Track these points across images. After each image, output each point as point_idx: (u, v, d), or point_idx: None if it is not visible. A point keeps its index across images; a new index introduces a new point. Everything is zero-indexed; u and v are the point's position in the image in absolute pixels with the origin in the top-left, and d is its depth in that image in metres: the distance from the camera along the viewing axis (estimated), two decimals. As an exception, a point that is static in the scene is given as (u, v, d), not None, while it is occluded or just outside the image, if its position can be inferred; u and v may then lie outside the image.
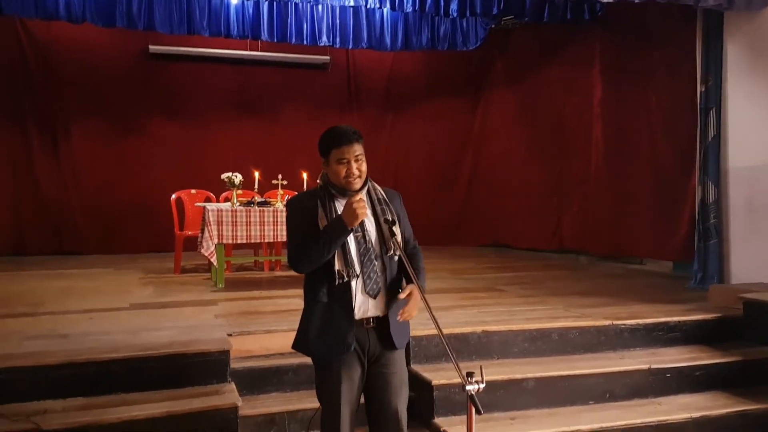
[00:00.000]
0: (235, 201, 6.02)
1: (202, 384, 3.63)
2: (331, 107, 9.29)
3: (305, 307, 2.72)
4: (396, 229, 2.66)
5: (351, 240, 2.62)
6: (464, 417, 2.42)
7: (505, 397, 3.91)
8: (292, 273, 7.11)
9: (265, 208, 5.90)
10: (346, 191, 2.65)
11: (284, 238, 6.01)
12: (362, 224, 2.64)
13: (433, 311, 2.50)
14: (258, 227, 5.85)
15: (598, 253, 7.99)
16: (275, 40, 7.62)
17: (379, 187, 2.78)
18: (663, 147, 6.88)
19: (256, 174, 6.28)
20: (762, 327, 4.70)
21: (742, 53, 5.81)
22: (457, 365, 2.39)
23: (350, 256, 2.60)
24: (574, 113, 8.20)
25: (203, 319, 4.51)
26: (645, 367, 4.22)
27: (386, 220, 2.64)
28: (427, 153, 9.62)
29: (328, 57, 9.18)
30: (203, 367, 3.66)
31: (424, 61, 9.56)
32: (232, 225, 5.73)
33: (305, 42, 7.65)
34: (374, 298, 2.64)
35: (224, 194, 7.13)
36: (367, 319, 2.65)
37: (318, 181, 2.77)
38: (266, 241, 6.32)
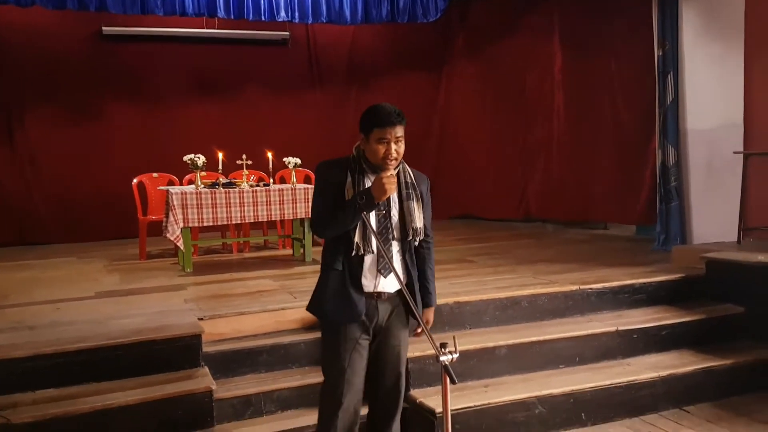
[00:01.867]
0: (200, 183, 5.92)
1: (175, 369, 3.59)
2: (293, 84, 9.17)
3: (321, 272, 2.76)
4: (416, 213, 2.69)
5: (373, 216, 2.64)
6: (439, 387, 2.44)
7: (479, 365, 3.96)
8: (261, 254, 7.13)
9: (230, 190, 5.82)
10: (379, 169, 2.64)
11: (251, 219, 5.96)
12: (387, 203, 2.66)
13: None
14: (224, 209, 5.78)
15: (564, 220, 8.09)
16: (232, 17, 7.46)
17: (410, 170, 2.80)
18: (623, 112, 6.96)
19: (220, 155, 6.18)
20: (724, 284, 4.83)
21: (697, 17, 5.87)
22: (431, 337, 2.41)
23: (369, 231, 2.62)
24: (535, 82, 8.23)
25: (172, 305, 4.46)
26: (612, 329, 4.30)
27: (360, 193, 2.61)
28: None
29: (287, 33, 9.03)
30: (175, 352, 3.62)
31: (385, 35, 9.47)
32: (198, 208, 5.66)
33: (263, 18, 7.51)
34: (385, 277, 2.68)
35: (188, 177, 7.02)
36: (379, 293, 2.68)
37: (353, 151, 2.75)
38: (233, 222, 6.25)
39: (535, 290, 4.53)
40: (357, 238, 2.61)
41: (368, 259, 2.64)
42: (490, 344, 4.03)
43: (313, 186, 2.94)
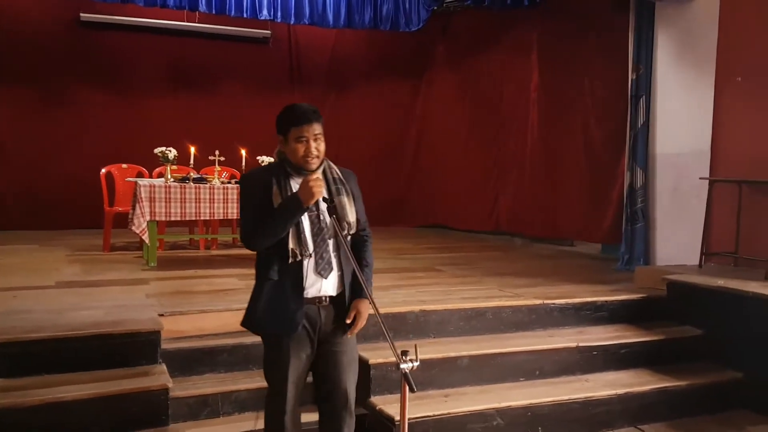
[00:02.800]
0: (169, 176, 5.84)
1: (132, 365, 3.53)
2: (271, 83, 9.12)
3: (256, 284, 2.69)
4: (347, 208, 2.65)
5: (305, 219, 2.60)
6: (399, 395, 2.42)
7: (440, 374, 3.95)
8: (229, 252, 7.05)
9: (200, 185, 5.76)
10: (303, 170, 2.61)
11: (221, 216, 5.91)
12: (317, 204, 2.61)
13: (372, 291, 2.49)
14: (193, 204, 5.71)
15: (532, 234, 8.16)
16: (213, 12, 7.36)
17: (335, 167, 2.76)
18: (595, 132, 7.05)
19: (192, 149, 6.11)
20: (684, 307, 4.90)
21: (672, 43, 5.98)
22: (392, 344, 2.40)
23: (304, 235, 2.58)
24: (512, 97, 8.30)
25: (133, 299, 4.39)
26: (573, 345, 4.33)
27: (324, 199, 2.60)
28: (370, 133, 9.59)
29: (269, 31, 8.98)
30: (132, 347, 3.56)
31: (367, 41, 9.47)
32: (166, 201, 5.58)
33: (245, 15, 7.44)
34: (326, 278, 2.63)
35: (158, 169, 6.93)
36: (320, 297, 2.63)
37: (274, 157, 2.72)
38: (202, 218, 6.18)
39: (500, 302, 4.55)
40: (292, 244, 2.56)
41: (307, 264, 2.59)
42: (453, 354, 4.02)
43: None
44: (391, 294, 4.68)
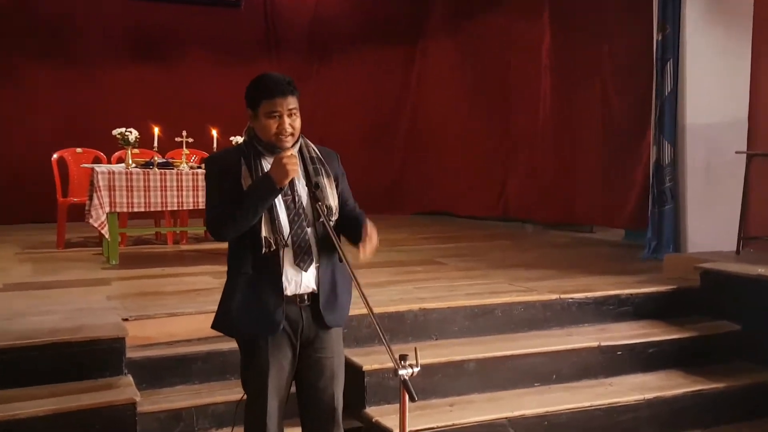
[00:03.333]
0: (131, 162, 5.83)
1: (93, 377, 3.53)
2: (245, 52, 9.08)
3: (228, 280, 2.68)
4: (328, 190, 2.64)
5: (280, 203, 2.58)
6: (398, 405, 2.43)
7: (444, 381, 3.96)
8: (201, 247, 7.04)
9: (166, 170, 5.75)
10: (276, 148, 2.59)
11: (190, 206, 5.90)
12: (292, 186, 2.60)
13: (364, 288, 2.49)
14: (159, 193, 5.71)
15: (545, 220, 8.19)
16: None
17: (312, 145, 2.74)
18: (616, 102, 7.06)
19: (156, 130, 6.09)
20: (720, 299, 4.92)
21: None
22: (389, 348, 2.40)
23: (279, 221, 2.57)
24: (520, 64, 8.29)
25: (93, 302, 4.39)
26: (594, 344, 4.35)
27: (309, 184, 2.59)
28: (359, 109, 9.56)
29: (240, -8, 8.94)
30: (94, 357, 3.56)
31: (353, 3, 9.42)
32: (127, 190, 5.57)
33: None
34: (305, 270, 2.61)
35: (117, 154, 6.93)
36: (301, 295, 2.62)
37: (243, 135, 2.71)
38: (169, 209, 6.17)
39: (510, 298, 4.56)
40: (265, 232, 2.54)
41: (285, 254, 2.57)
42: (458, 357, 4.03)
43: None
44: (386, 291, 4.68)
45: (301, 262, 2.60)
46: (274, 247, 2.56)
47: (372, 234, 2.67)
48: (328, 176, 2.68)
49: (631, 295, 4.85)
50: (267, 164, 2.60)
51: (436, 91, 9.51)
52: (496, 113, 8.66)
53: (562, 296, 4.66)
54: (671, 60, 6.04)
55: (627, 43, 6.87)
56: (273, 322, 2.59)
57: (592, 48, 7.24)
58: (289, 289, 2.61)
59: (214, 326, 2.74)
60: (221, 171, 2.61)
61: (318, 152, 2.73)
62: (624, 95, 6.95)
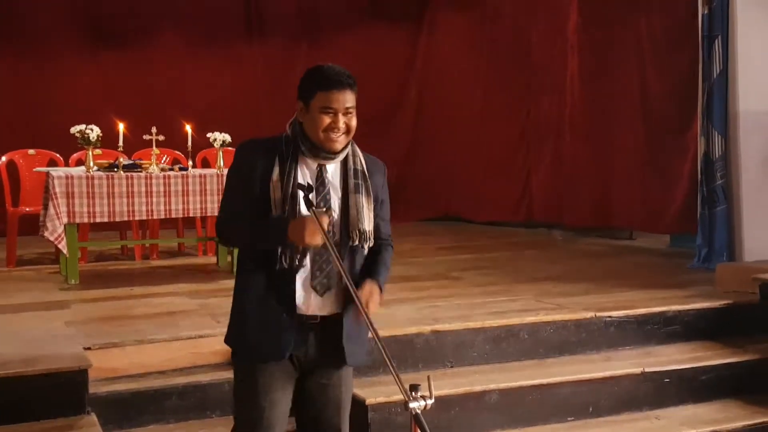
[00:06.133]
0: (92, 164, 5.82)
1: (52, 416, 3.52)
2: (222, 34, 9.11)
3: (237, 289, 2.73)
4: (364, 211, 2.67)
5: (306, 215, 2.59)
6: (409, 445, 2.42)
7: (462, 415, 3.95)
8: (174, 262, 7.03)
9: (134, 174, 5.74)
10: (322, 151, 2.62)
11: (162, 215, 5.91)
12: (327, 196, 2.64)
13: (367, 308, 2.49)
14: (125, 200, 5.70)
15: (576, 225, 8.17)
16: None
17: (361, 154, 2.77)
18: (656, 86, 7.06)
19: (121, 127, 6.09)
20: (782, 315, 4.92)
21: (755, -35, 5.98)
22: (398, 377, 2.39)
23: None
24: (543, 44, 8.30)
25: (50, 329, 4.37)
26: (637, 371, 4.35)
27: (300, 186, 2.58)
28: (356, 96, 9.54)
29: (216, -36, 8.98)
30: (51, 393, 3.55)
31: (347, -29, 9.47)
32: (88, 197, 5.56)
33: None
34: (321, 295, 2.65)
35: (76, 155, 6.91)
36: (308, 317, 2.65)
37: (287, 129, 2.71)
38: (137, 218, 6.16)
39: (537, 318, 4.55)
40: (282, 247, 2.58)
41: (301, 273, 2.62)
42: (478, 388, 4.03)
43: None
44: (393, 311, 4.66)
45: (318, 286, 2.64)
46: (289, 264, 2.59)
47: (374, 299, 2.68)
48: (368, 195, 2.72)
49: (679, 312, 4.84)
50: (306, 170, 2.64)
51: (445, 74, 9.51)
52: (515, 100, 8.66)
53: (599, 314, 4.65)
54: (719, 37, 6.04)
55: (668, 18, 6.87)
56: (283, 347, 2.62)
57: (627, 23, 7.24)
58: (301, 309, 2.64)
59: (228, 341, 2.77)
60: (252, 165, 2.63)
61: (364, 164, 2.75)
62: (665, 78, 6.96)
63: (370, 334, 2.54)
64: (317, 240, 2.51)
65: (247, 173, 2.63)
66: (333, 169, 2.68)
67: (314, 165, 2.64)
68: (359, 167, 2.73)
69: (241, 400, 2.75)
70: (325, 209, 2.60)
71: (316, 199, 2.62)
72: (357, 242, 2.66)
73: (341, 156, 2.67)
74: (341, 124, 2.60)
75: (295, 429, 2.82)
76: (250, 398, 2.68)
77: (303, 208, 2.56)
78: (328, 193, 2.65)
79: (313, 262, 2.62)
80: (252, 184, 2.61)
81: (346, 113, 2.61)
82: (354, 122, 2.64)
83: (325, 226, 2.50)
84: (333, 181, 2.67)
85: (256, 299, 2.64)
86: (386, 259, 2.81)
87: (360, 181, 2.70)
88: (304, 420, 2.78)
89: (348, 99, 2.62)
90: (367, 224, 2.69)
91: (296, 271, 2.61)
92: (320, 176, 2.65)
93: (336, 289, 2.65)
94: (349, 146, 2.71)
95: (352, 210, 2.66)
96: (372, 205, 2.72)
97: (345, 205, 2.67)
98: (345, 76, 2.63)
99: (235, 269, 2.79)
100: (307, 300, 2.64)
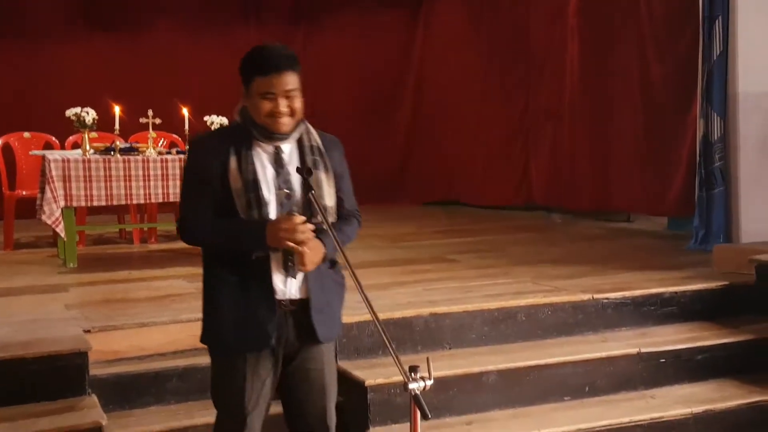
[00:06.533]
0: (88, 147, 5.83)
1: (52, 398, 3.54)
2: (219, 17, 9.11)
3: (207, 287, 2.71)
4: (325, 187, 2.66)
5: (272, 201, 2.61)
6: (407, 425, 2.45)
7: (460, 396, 3.99)
8: (173, 246, 7.05)
9: (130, 157, 5.75)
10: (273, 134, 2.61)
11: (159, 198, 5.92)
12: (288, 180, 2.63)
13: (366, 290, 2.50)
14: (122, 183, 5.72)
15: (575, 208, 8.20)
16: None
17: (314, 132, 2.76)
18: (656, 69, 7.05)
19: (117, 110, 6.10)
20: (778, 296, 4.94)
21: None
22: (397, 358, 2.41)
23: (270, 219, 2.59)
24: (542, 26, 8.30)
25: (49, 312, 4.40)
26: (634, 351, 4.37)
27: (298, 170, 2.61)
28: (354, 81, 9.56)
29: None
30: (51, 375, 3.57)
31: (345, -45, 9.44)
32: (85, 181, 5.58)
33: None
34: (294, 277, 2.64)
35: (72, 138, 6.92)
36: (285, 302, 2.65)
37: (236, 116, 2.71)
38: (134, 202, 6.18)
39: (535, 300, 4.58)
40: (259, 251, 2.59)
41: (274, 258, 2.61)
42: (476, 369, 4.06)
43: None
44: (391, 294, 4.70)
45: (289, 268, 2.62)
46: (266, 251, 2.59)
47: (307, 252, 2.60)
48: (326, 171, 2.70)
49: (676, 293, 4.86)
50: (262, 154, 2.62)
51: (445, 58, 9.50)
52: (514, 84, 8.66)
53: (596, 296, 4.68)
54: (720, 17, 6.02)
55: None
56: (265, 335, 2.61)
57: (627, 5, 7.23)
58: (279, 294, 2.63)
59: (204, 340, 2.77)
60: (205, 161, 2.62)
61: (320, 142, 2.74)
62: (665, 60, 6.95)
63: (364, 316, 2.57)
64: (298, 236, 2.51)
65: (204, 168, 2.61)
66: (289, 150, 2.67)
67: (270, 148, 2.63)
68: (314, 144, 2.72)
69: (220, 388, 2.74)
70: (309, 170, 2.59)
71: (277, 180, 2.61)
72: (321, 217, 2.58)
73: (294, 136, 2.66)
74: (282, 108, 2.57)
75: (284, 414, 2.82)
76: (230, 387, 2.67)
77: (265, 193, 2.58)
78: (288, 173, 2.63)
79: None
80: (210, 179, 2.59)
81: (287, 96, 2.58)
82: (298, 103, 2.61)
83: (300, 223, 2.51)
84: (291, 161, 2.66)
85: (232, 293, 2.62)
86: (345, 229, 2.75)
87: (317, 158, 2.69)
88: (291, 405, 2.78)
89: (288, 81, 2.57)
90: (328, 200, 2.68)
91: (271, 256, 2.59)
92: (278, 158, 2.64)
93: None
94: (302, 125, 2.70)
95: (315, 186, 2.62)
96: (332, 181, 2.71)
97: (305, 183, 2.63)
98: (284, 58, 2.59)
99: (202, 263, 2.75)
100: (282, 284, 2.63)
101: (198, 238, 2.69)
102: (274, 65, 2.56)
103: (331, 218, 2.68)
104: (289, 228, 2.51)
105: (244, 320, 2.62)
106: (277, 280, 2.63)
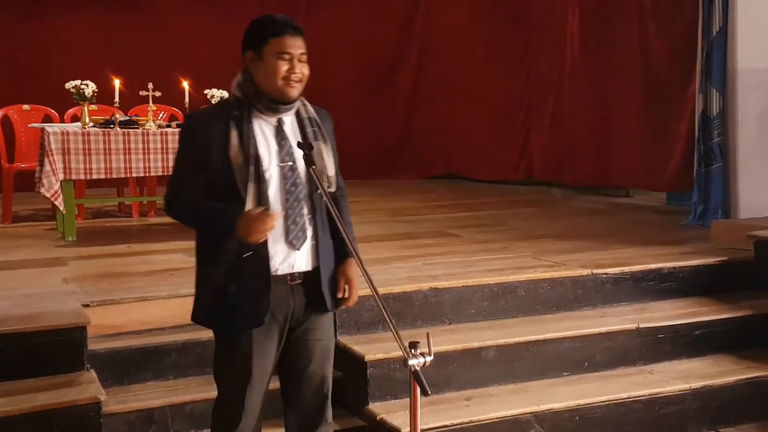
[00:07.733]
0: (87, 120, 5.79)
1: (50, 373, 3.54)
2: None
3: (201, 262, 2.70)
4: (326, 157, 2.67)
5: (275, 172, 2.58)
6: (407, 400, 2.45)
7: (460, 371, 3.98)
8: (172, 219, 6.99)
9: (130, 130, 5.71)
10: (278, 103, 2.58)
11: (159, 171, 5.90)
12: (291, 153, 2.60)
13: (366, 265, 2.49)
14: (122, 156, 5.69)
15: (575, 183, 8.20)
16: None
17: (309, 105, 2.76)
18: (656, 44, 7.01)
19: (117, 82, 6.04)
20: (777, 272, 4.93)
21: None
22: (397, 333, 2.41)
23: (269, 193, 2.56)
24: (544, 1, 8.24)
25: (48, 285, 4.39)
26: (632, 326, 4.36)
27: (300, 144, 2.57)
28: (355, 55, 9.51)
29: None
30: (50, 349, 3.56)
31: None
32: (84, 154, 5.53)
33: None
34: (298, 249, 2.63)
35: (71, 111, 6.89)
36: (292, 274, 2.64)
37: (234, 90, 2.66)
38: (134, 175, 6.14)
39: (535, 274, 4.56)
40: (250, 205, 2.53)
41: (272, 234, 2.55)
42: (476, 344, 4.05)
43: None
44: (392, 269, 4.69)
45: (294, 240, 2.61)
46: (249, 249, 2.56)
47: (354, 292, 2.76)
48: (325, 141, 2.70)
49: (675, 268, 4.85)
50: (265, 128, 2.59)
51: (446, 32, 9.45)
52: (516, 59, 8.62)
53: (595, 271, 4.67)
54: (720, -8, 5.98)
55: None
56: (260, 312, 2.59)
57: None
58: (280, 269, 2.62)
59: (195, 319, 2.77)
60: (203, 135, 2.58)
61: (314, 113, 2.74)
62: (665, 36, 6.90)
63: (363, 291, 2.55)
64: (262, 239, 2.50)
65: (202, 144, 2.57)
66: (290, 122, 2.66)
67: (273, 120, 2.61)
68: (312, 115, 2.72)
69: (221, 368, 2.74)
70: (310, 146, 2.57)
71: (281, 154, 2.59)
72: (326, 188, 2.59)
73: (296, 105, 2.65)
74: (298, 70, 2.57)
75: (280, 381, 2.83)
76: (231, 367, 2.67)
77: (266, 168, 2.55)
78: (290, 146, 2.61)
79: (286, 217, 2.59)
80: (208, 155, 2.55)
81: (300, 60, 2.59)
82: (307, 70, 2.62)
83: (274, 225, 2.49)
84: (292, 134, 2.64)
85: (227, 271, 2.59)
86: (348, 217, 2.78)
87: (316, 129, 2.69)
88: (291, 374, 2.77)
89: (301, 45, 2.60)
90: (331, 169, 2.70)
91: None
92: (280, 130, 2.62)
93: (311, 242, 2.64)
94: (299, 101, 2.69)
95: (317, 158, 2.63)
96: (331, 152, 2.72)
97: (307, 157, 2.60)
98: (295, 22, 2.63)
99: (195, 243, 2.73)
100: (288, 257, 2.61)
101: (180, 214, 2.72)
102: (291, 26, 2.59)
103: (333, 188, 2.70)
104: (258, 222, 2.47)
105: (238, 296, 2.59)
106: (281, 252, 2.61)
